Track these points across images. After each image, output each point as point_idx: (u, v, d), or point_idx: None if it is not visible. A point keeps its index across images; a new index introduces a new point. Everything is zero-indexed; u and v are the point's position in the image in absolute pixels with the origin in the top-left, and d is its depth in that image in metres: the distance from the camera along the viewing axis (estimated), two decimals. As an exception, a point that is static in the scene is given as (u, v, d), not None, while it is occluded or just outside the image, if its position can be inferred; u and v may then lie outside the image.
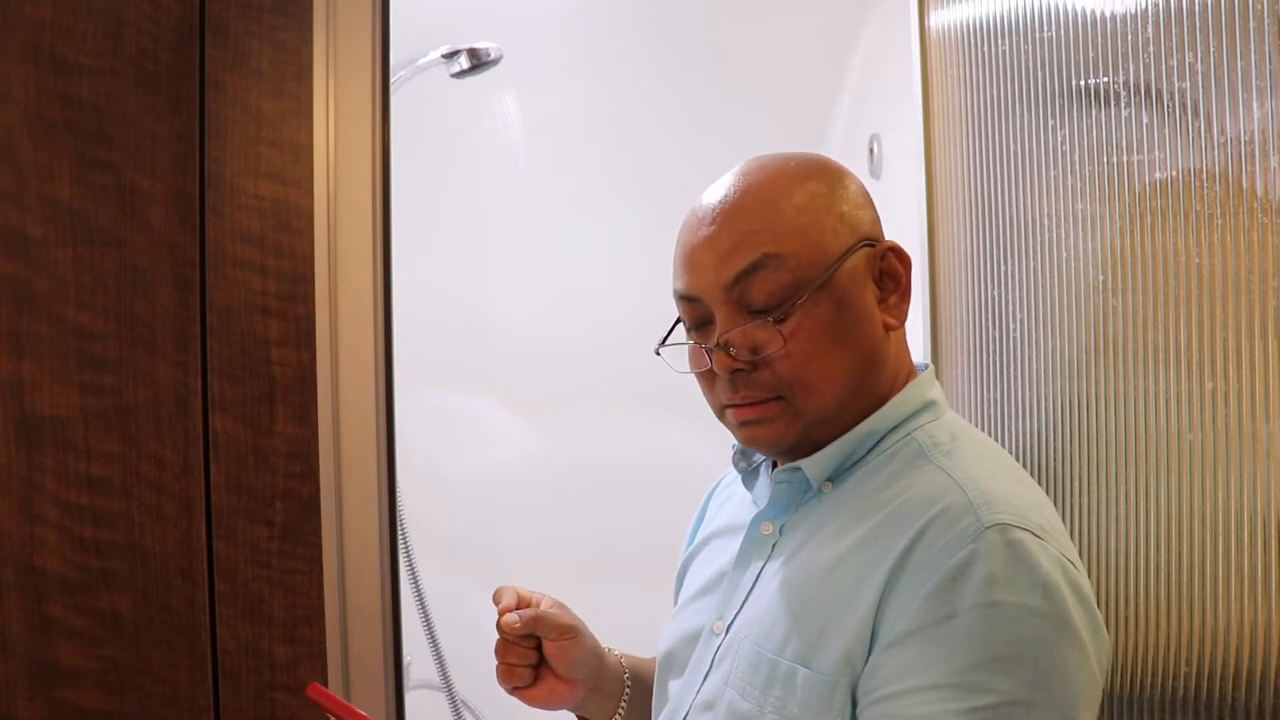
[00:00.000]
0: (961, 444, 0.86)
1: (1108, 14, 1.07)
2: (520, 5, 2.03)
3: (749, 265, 0.84)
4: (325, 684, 0.81)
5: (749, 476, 0.98)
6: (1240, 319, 0.92)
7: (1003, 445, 1.28)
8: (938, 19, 1.44)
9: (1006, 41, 1.25)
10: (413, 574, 1.75)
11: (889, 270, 0.89)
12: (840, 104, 1.96)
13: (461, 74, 1.74)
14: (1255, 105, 0.89)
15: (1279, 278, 0.88)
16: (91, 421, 0.79)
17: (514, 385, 2.08)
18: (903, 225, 1.49)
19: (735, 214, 0.86)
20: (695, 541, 1.06)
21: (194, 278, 0.81)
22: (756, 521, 0.92)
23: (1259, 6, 0.87)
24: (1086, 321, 1.12)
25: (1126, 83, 1.04)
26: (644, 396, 2.01)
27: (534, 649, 0.97)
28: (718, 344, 0.85)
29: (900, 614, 0.76)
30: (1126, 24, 1.03)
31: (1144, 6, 1.01)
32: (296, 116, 0.82)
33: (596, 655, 1.01)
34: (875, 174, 1.73)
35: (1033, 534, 0.76)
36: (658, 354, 0.93)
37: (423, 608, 1.74)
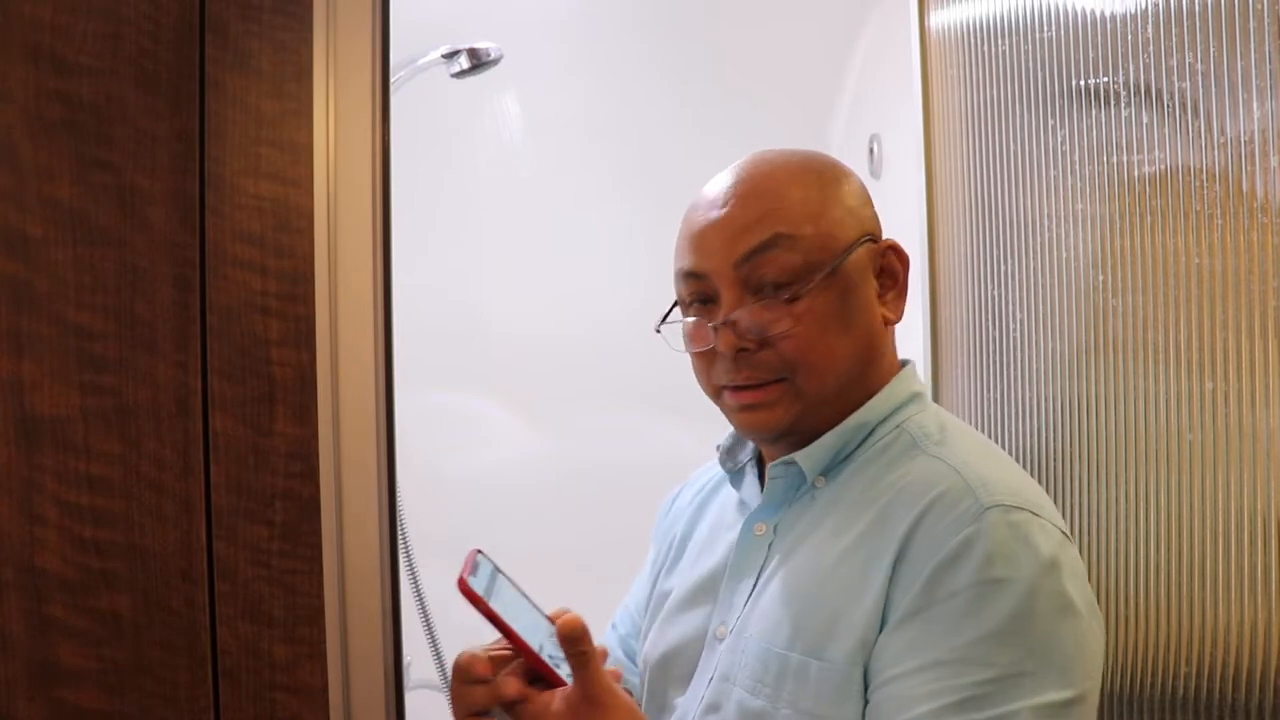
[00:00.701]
0: (950, 434, 0.88)
1: (1108, 14, 1.06)
2: (520, 5, 2.03)
3: (761, 244, 0.85)
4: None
5: (736, 476, 0.98)
6: (1240, 319, 0.92)
7: (1003, 445, 1.28)
8: (938, 19, 1.44)
9: (1006, 41, 1.25)
10: (413, 574, 1.75)
11: (888, 267, 0.91)
12: (840, 104, 1.96)
13: (461, 74, 1.74)
14: (1255, 105, 0.89)
15: (1279, 278, 0.88)
16: (91, 421, 0.79)
17: (514, 385, 2.08)
18: (903, 225, 1.49)
19: (748, 196, 0.87)
20: (670, 551, 1.05)
21: (194, 278, 0.81)
22: (749, 523, 0.91)
23: (1259, 6, 0.87)
24: (1086, 321, 1.12)
25: (1126, 83, 1.04)
26: (644, 396, 2.01)
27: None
28: (725, 321, 0.85)
29: (904, 595, 0.77)
30: (1126, 24, 1.03)
31: (1144, 6, 1.01)
32: (296, 116, 0.82)
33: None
34: (875, 174, 1.73)
35: (1031, 513, 0.78)
36: (658, 331, 0.93)
37: (423, 608, 1.74)
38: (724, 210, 0.87)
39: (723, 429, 0.98)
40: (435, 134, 2.02)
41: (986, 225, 1.32)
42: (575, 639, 0.74)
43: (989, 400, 1.31)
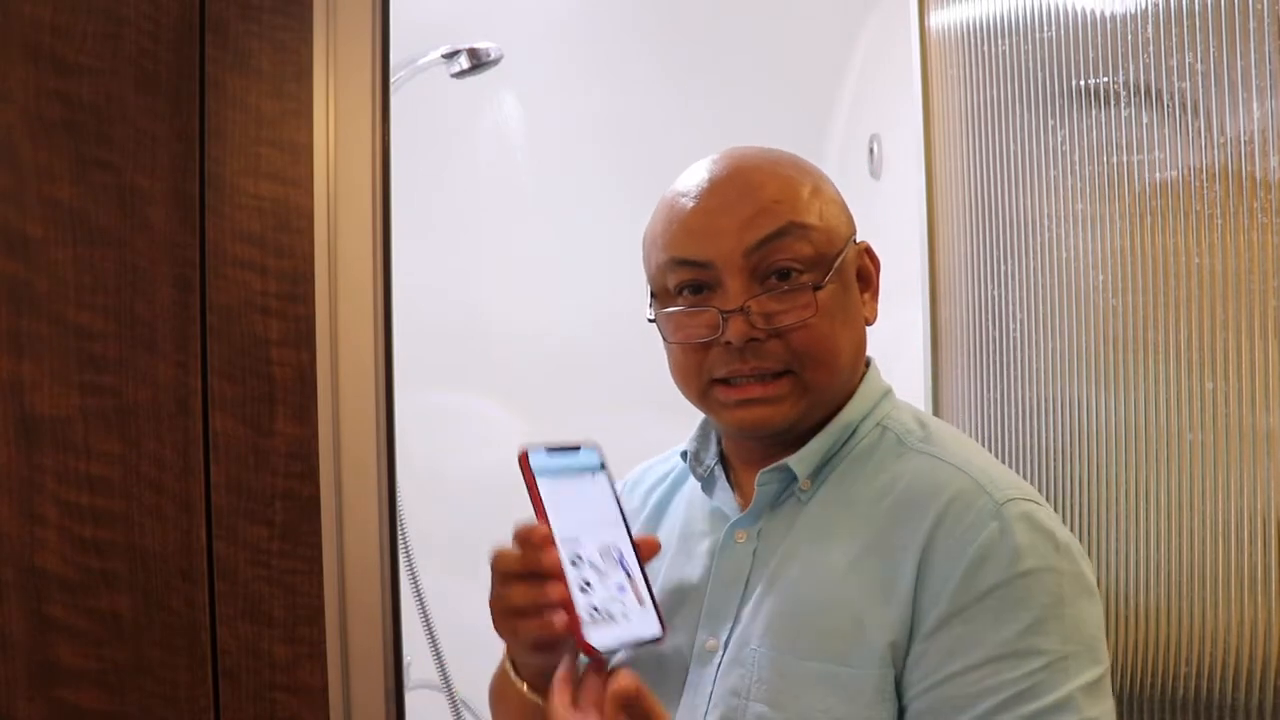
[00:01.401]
0: (932, 430, 0.89)
1: (1108, 14, 1.07)
2: (520, 5, 2.03)
3: (775, 231, 0.84)
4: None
5: (708, 483, 0.94)
6: (1240, 319, 0.92)
7: (1003, 445, 1.28)
8: (938, 19, 1.44)
9: (1006, 41, 1.25)
10: (413, 574, 1.75)
11: (864, 269, 0.91)
12: (840, 104, 1.96)
13: (461, 74, 1.74)
14: (1255, 105, 0.89)
15: (1279, 277, 0.88)
16: (91, 421, 0.79)
17: (514, 385, 2.08)
18: (903, 225, 1.49)
19: (756, 185, 0.86)
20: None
21: (194, 278, 0.81)
22: (730, 531, 0.89)
23: (1259, 6, 0.87)
24: (1087, 322, 1.12)
25: (1126, 83, 1.04)
26: (644, 396, 2.01)
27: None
28: (740, 309, 0.83)
29: (936, 600, 0.77)
30: (1126, 24, 1.03)
31: (1144, 6, 1.01)
32: (296, 116, 0.82)
33: None
34: (875, 174, 1.73)
35: (1036, 504, 0.81)
36: (651, 320, 0.91)
37: (423, 608, 1.74)
38: (727, 197, 0.85)
39: (723, 429, 0.97)
40: (435, 134, 2.02)
41: (986, 225, 1.32)
42: (629, 702, 0.70)
43: (989, 400, 1.31)
